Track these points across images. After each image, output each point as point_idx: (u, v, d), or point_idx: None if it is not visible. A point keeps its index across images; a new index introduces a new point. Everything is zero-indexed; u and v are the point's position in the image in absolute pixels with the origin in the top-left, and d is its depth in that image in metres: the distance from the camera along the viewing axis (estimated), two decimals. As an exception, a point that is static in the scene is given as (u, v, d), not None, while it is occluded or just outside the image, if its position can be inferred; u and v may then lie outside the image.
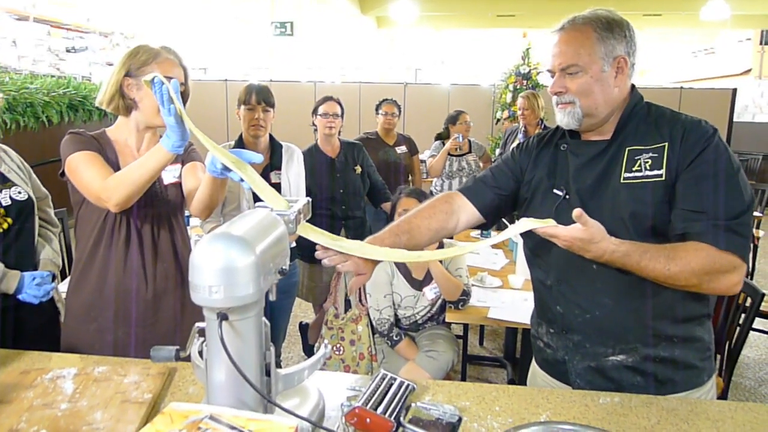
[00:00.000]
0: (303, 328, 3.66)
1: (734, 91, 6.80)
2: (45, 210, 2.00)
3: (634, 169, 1.26)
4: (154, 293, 1.63)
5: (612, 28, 1.25)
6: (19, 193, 1.80)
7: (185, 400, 1.22)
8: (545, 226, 1.17)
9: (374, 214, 3.71)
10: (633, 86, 1.33)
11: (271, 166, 2.52)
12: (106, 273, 1.60)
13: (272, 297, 1.01)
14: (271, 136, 2.61)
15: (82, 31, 7.22)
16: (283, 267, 1.02)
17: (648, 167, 1.24)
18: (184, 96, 1.67)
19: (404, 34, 15.69)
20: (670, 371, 1.30)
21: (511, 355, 3.54)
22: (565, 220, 1.18)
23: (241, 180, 1.20)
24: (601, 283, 1.29)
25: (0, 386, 1.25)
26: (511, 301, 2.48)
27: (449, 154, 4.31)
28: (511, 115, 5.87)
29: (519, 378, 2.76)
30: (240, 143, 2.52)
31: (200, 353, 1.07)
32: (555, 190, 1.35)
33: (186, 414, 0.88)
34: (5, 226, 1.75)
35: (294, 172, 2.62)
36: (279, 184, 2.53)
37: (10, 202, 1.77)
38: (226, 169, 1.23)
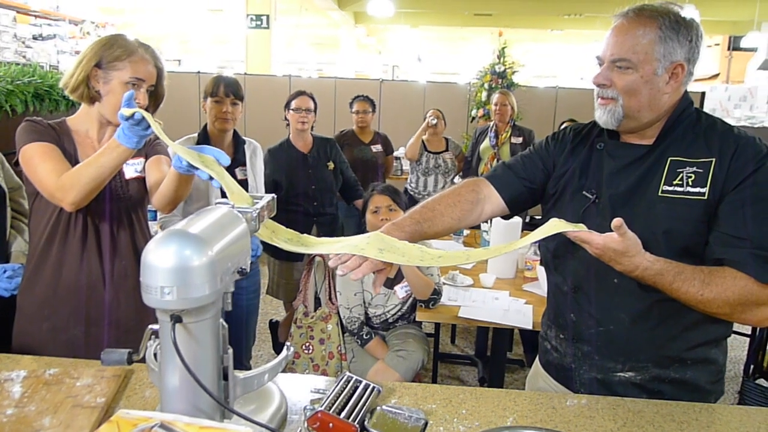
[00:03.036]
0: (273, 325, 3.61)
1: (702, 95, 6.91)
2: (18, 201, 1.94)
3: (674, 182, 1.16)
4: (112, 292, 1.56)
5: (678, 29, 1.14)
6: None
7: (141, 405, 1.17)
8: (578, 231, 1.08)
9: (346, 210, 3.68)
10: (685, 91, 1.23)
11: (236, 162, 2.46)
12: (60, 270, 1.53)
13: (227, 307, 0.97)
14: (235, 131, 2.55)
15: (50, 18, 7.01)
16: (243, 267, 0.98)
17: (690, 183, 1.14)
18: (158, 97, 1.61)
19: (381, 31, 15.66)
20: (678, 392, 1.25)
21: (483, 353, 3.54)
22: (592, 225, 1.10)
23: (211, 178, 1.14)
24: (620, 298, 1.23)
25: (-58, 390, 1.19)
26: (482, 300, 2.46)
27: (426, 150, 4.30)
28: (485, 113, 5.87)
29: (490, 376, 2.76)
30: (204, 136, 2.45)
31: (155, 355, 1.02)
32: (584, 192, 1.26)
33: (135, 422, 0.83)
34: None
35: (258, 168, 2.58)
36: (246, 180, 2.47)
37: None
38: (192, 166, 1.17)
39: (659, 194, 1.17)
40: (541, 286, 2.65)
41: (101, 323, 1.54)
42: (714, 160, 1.15)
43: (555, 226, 1.10)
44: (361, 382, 1.17)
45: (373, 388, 1.16)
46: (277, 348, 3.51)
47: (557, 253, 1.34)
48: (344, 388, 1.13)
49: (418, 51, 17.53)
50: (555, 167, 1.35)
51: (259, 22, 8.88)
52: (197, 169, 1.15)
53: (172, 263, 0.84)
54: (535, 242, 1.16)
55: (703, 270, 1.10)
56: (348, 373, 1.21)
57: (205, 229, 0.91)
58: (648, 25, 1.15)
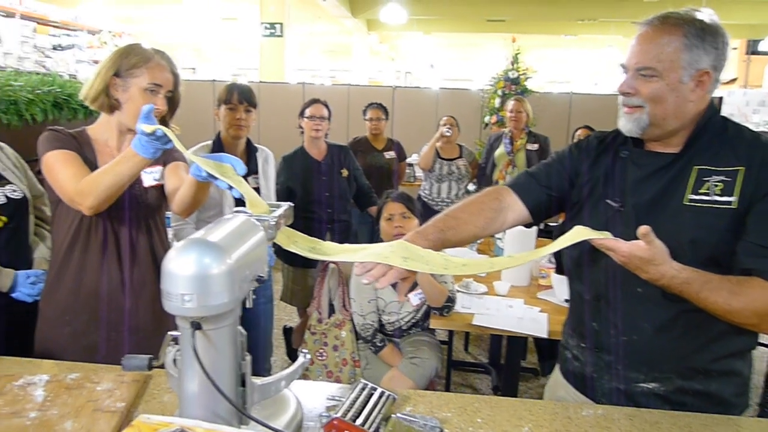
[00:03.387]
0: (287, 331, 3.64)
1: (720, 99, 6.86)
2: (40, 208, 1.98)
3: (701, 191, 1.14)
4: (131, 298, 1.59)
5: (704, 37, 1.13)
6: (14, 191, 1.79)
7: (159, 410, 1.19)
8: (604, 238, 1.07)
9: (359, 217, 3.70)
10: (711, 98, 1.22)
11: (248, 170, 2.47)
12: (81, 276, 1.56)
13: (248, 304, 0.99)
14: (248, 140, 2.56)
15: (69, 28, 7.13)
16: (261, 275, 1.00)
17: (718, 192, 1.13)
18: (175, 103, 1.64)
19: (394, 38, 15.72)
20: (702, 404, 1.22)
21: (496, 361, 3.53)
22: (616, 234, 1.09)
23: (230, 187, 1.16)
24: (643, 307, 1.21)
25: (-33, 394, 1.21)
26: (497, 308, 2.46)
27: (439, 157, 4.31)
28: (499, 119, 5.87)
29: (504, 385, 2.75)
30: (218, 143, 2.47)
31: (175, 361, 1.04)
32: (608, 200, 1.25)
33: (156, 426, 0.85)
34: (0, 224, 1.73)
35: (270, 176, 2.60)
36: (258, 188, 2.49)
37: (5, 201, 1.75)
38: (211, 176, 1.18)
39: (685, 203, 1.16)
40: (555, 294, 2.63)
41: (120, 329, 1.57)
42: (743, 168, 1.13)
43: (580, 233, 1.10)
44: (376, 389, 1.18)
45: (388, 395, 1.17)
46: (291, 354, 3.54)
47: (580, 262, 1.32)
48: (359, 396, 1.14)
49: (431, 57, 17.57)
50: (578, 175, 1.34)
51: (272, 30, 8.96)
52: (216, 178, 1.17)
53: (193, 271, 0.85)
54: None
55: (731, 279, 1.09)
56: (363, 381, 1.22)
57: (224, 237, 0.93)
58: (673, 32, 1.14)
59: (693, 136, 1.20)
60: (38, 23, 6.52)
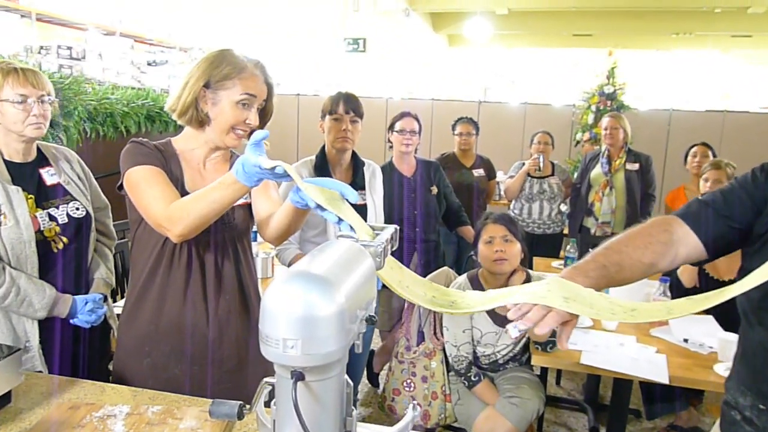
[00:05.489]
0: (369, 354, 3.48)
1: None
2: (103, 222, 1.91)
3: None
4: (215, 330, 1.44)
5: None
6: (77, 209, 1.72)
7: (246, 458, 1.05)
8: None
9: (445, 236, 3.50)
10: None
11: (354, 186, 2.23)
12: (163, 304, 1.43)
13: (357, 349, 0.82)
14: (354, 153, 2.38)
15: (163, 45, 7.49)
16: (372, 315, 0.84)
17: None
18: (267, 114, 1.50)
19: (474, 53, 15.51)
20: None
21: (593, 399, 3.23)
22: None
23: (339, 221, 0.97)
24: None
25: (46, 425, 1.12)
26: (606, 345, 2.20)
27: (528, 175, 4.06)
28: (592, 137, 5.52)
29: (609, 428, 2.46)
30: (322, 158, 2.31)
31: (266, 404, 0.89)
32: None
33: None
34: (60, 246, 1.66)
35: (377, 192, 2.41)
36: (365, 205, 2.31)
37: (67, 220, 1.68)
38: (319, 207, 1.01)
39: None
40: (672, 333, 2.34)
41: (203, 362, 1.44)
42: None
43: None
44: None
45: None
46: (372, 378, 3.38)
47: (763, 305, 1.09)
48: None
49: (511, 73, 17.19)
50: (767, 203, 1.12)
51: (356, 46, 9.00)
52: (323, 210, 1.00)
53: (299, 312, 0.70)
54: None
55: None
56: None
57: (331, 268, 0.77)
58: None
59: None
60: (135, 41, 6.85)
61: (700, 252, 1.14)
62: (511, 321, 2.20)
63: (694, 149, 3.92)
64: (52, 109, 1.69)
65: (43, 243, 1.62)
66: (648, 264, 1.10)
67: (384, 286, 0.96)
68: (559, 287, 0.95)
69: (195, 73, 1.40)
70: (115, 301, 2.38)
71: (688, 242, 1.14)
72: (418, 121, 3.03)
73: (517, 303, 0.94)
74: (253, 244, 2.11)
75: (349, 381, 0.84)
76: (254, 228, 1.57)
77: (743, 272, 0.92)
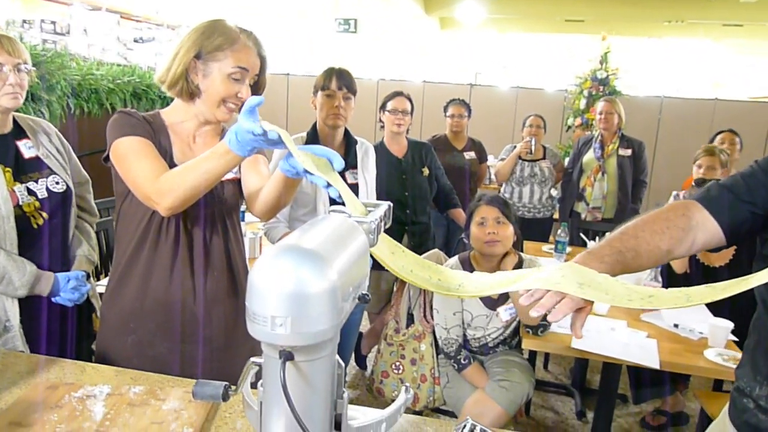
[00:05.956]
0: (357, 336, 3.45)
1: None
2: (84, 196, 1.83)
3: None
4: (203, 305, 1.39)
5: None
6: (57, 183, 1.64)
7: (232, 440, 1.01)
8: None
9: (435, 218, 3.46)
10: None
11: (346, 164, 2.22)
12: (148, 279, 1.37)
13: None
14: (346, 130, 2.33)
15: (150, 22, 7.33)
16: (364, 293, 0.80)
17: None
18: (260, 88, 1.44)
19: (466, 37, 15.41)
20: None
21: (581, 383, 3.23)
22: None
23: (327, 185, 0.95)
24: None
25: (22, 405, 1.08)
26: (596, 330, 2.18)
27: (520, 158, 4.03)
28: (584, 122, 5.49)
29: (597, 413, 2.45)
30: (314, 134, 2.26)
31: (252, 385, 0.86)
32: None
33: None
34: (40, 221, 1.59)
35: (370, 170, 2.37)
36: (356, 184, 2.27)
37: (46, 195, 1.61)
38: (307, 172, 0.97)
39: None
40: (663, 318, 2.33)
41: (190, 339, 1.39)
42: None
43: None
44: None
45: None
46: (360, 360, 3.36)
47: None
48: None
49: (503, 57, 17.11)
50: None
51: (347, 26, 8.89)
52: (312, 174, 0.96)
53: (289, 288, 0.66)
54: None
55: None
56: (471, 420, 1.01)
57: (323, 244, 0.73)
58: None
59: None
60: (121, 17, 6.69)
61: (719, 238, 1.10)
62: (502, 305, 2.16)
63: (720, 136, 3.82)
64: (29, 79, 1.61)
65: (22, 218, 1.54)
66: (666, 250, 1.06)
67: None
68: (573, 273, 0.92)
69: (185, 44, 1.34)
70: (98, 280, 2.33)
71: (706, 227, 1.10)
72: (410, 101, 2.98)
73: (530, 289, 0.91)
74: (242, 224, 2.07)
75: (341, 362, 0.81)
76: (243, 207, 1.52)
77: (757, 259, 0.88)
